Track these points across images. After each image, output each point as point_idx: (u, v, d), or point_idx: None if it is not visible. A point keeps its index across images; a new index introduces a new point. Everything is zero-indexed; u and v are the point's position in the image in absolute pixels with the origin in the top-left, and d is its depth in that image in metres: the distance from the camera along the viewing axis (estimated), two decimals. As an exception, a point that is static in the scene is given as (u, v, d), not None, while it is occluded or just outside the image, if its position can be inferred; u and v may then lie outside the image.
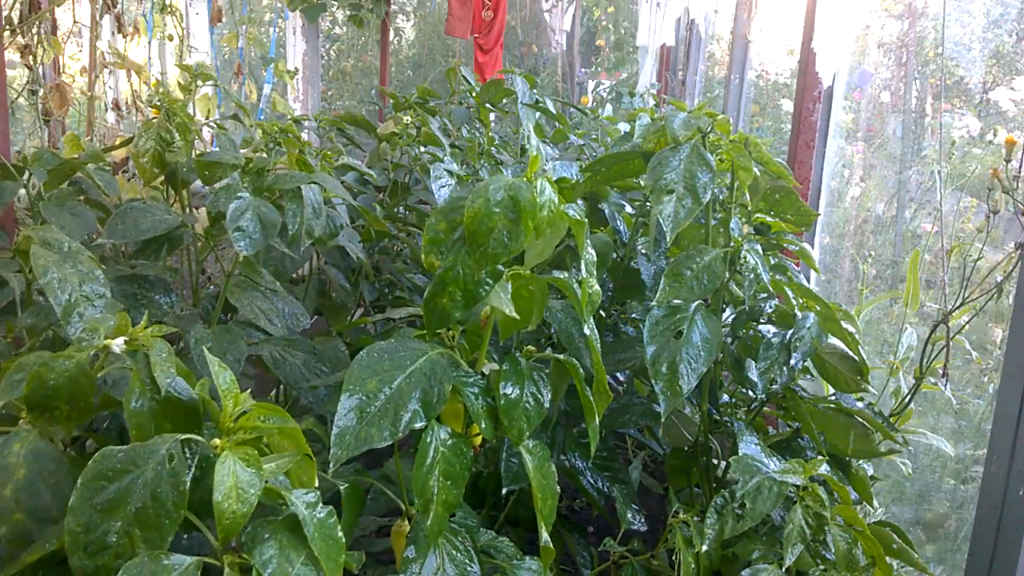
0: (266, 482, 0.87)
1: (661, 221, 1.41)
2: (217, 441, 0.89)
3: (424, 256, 1.11)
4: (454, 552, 1.14)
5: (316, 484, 1.00)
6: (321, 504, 0.92)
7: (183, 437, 0.88)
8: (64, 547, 0.82)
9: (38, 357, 0.97)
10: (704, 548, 1.38)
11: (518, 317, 1.16)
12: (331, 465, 0.96)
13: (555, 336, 1.78)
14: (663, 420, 1.48)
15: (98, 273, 1.10)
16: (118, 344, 0.97)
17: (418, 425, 1.04)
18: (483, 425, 1.13)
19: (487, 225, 1.06)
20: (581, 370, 1.25)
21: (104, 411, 1.08)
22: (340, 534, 0.91)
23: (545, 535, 1.17)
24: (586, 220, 1.15)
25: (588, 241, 1.18)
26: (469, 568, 1.14)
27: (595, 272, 1.21)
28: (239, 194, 1.51)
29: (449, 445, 1.09)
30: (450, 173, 1.97)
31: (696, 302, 1.48)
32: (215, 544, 0.87)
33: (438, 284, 1.09)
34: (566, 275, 1.22)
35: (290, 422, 0.95)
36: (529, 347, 1.27)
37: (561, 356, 1.28)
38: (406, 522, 1.21)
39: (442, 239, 1.10)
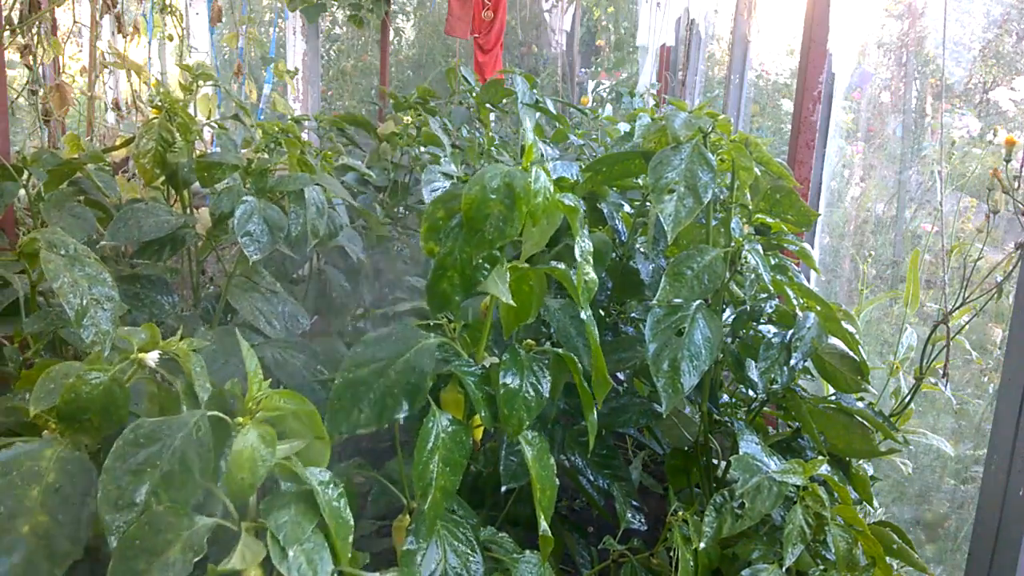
0: (278, 458, 0.92)
1: (662, 220, 1.40)
2: (240, 419, 0.93)
3: (423, 243, 1.12)
4: (456, 543, 1.15)
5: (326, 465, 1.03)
6: (333, 485, 0.95)
7: (211, 413, 0.93)
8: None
9: (68, 367, 0.99)
10: (702, 546, 1.38)
11: (515, 304, 1.18)
12: None
13: (554, 336, 1.78)
14: (664, 418, 1.48)
15: (106, 276, 1.11)
16: (152, 357, 1.00)
17: (402, 414, 1.06)
18: (483, 414, 1.14)
19: (483, 211, 1.07)
20: (579, 364, 1.26)
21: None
22: (349, 515, 0.95)
23: (544, 524, 1.18)
24: (581, 207, 1.16)
25: (584, 230, 1.19)
26: (471, 559, 1.14)
27: (591, 260, 1.21)
28: (244, 198, 1.50)
29: (449, 432, 1.10)
30: (446, 175, 1.94)
31: (697, 301, 1.48)
32: (232, 511, 0.92)
33: (438, 269, 1.11)
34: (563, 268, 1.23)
35: (307, 405, 0.98)
36: (529, 341, 1.28)
37: (560, 350, 1.28)
38: (407, 516, 1.21)
39: (440, 226, 1.12)
